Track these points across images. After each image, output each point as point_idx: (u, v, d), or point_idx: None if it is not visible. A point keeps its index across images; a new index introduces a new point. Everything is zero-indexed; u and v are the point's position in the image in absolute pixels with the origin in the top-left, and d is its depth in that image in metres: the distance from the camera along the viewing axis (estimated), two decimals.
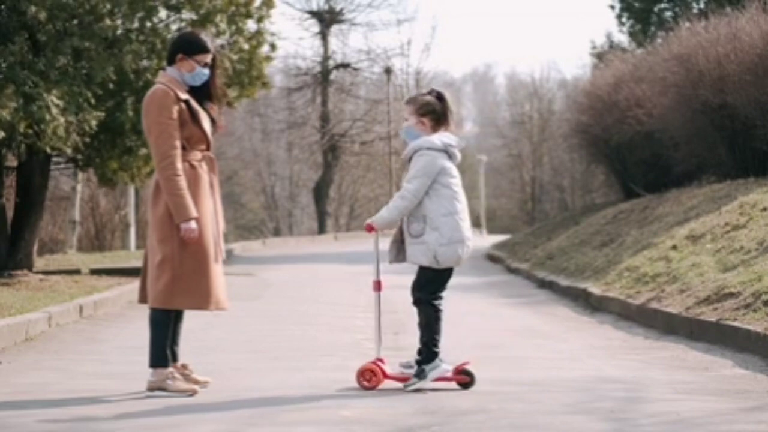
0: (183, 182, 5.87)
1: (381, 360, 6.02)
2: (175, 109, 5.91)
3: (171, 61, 6.08)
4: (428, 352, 5.98)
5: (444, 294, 6.06)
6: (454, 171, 6.07)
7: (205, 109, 6.09)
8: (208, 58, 6.07)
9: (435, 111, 6.10)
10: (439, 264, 5.96)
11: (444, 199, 5.98)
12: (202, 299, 5.93)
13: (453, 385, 5.99)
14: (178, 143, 5.88)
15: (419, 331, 6.05)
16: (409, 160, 6.08)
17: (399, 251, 6.09)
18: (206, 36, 6.21)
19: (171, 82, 6.00)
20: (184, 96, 5.98)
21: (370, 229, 6.07)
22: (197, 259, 5.90)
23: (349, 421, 5.12)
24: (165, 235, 5.89)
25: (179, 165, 5.87)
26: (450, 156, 6.06)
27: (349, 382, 6.14)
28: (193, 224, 5.84)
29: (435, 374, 5.96)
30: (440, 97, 6.11)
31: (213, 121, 6.14)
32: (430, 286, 6.01)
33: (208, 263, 5.94)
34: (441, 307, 6.02)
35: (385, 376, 5.98)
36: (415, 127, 6.11)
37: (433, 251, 5.93)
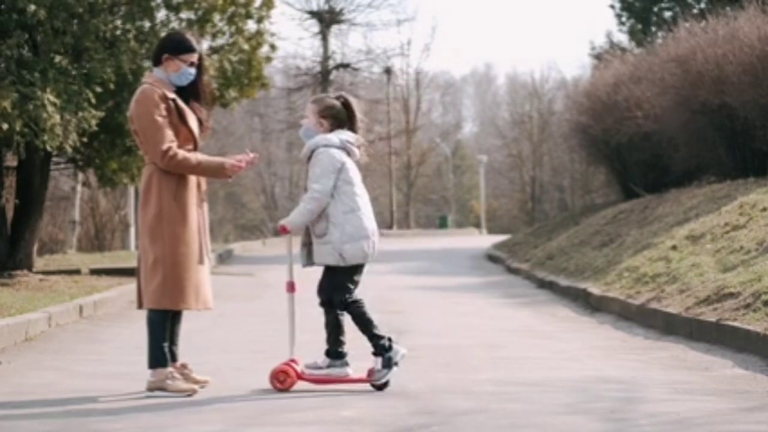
0: (191, 156, 5.95)
1: (294, 361, 6.01)
2: (163, 107, 5.95)
3: (157, 62, 6.12)
4: (378, 342, 5.98)
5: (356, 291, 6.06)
6: (354, 168, 6.09)
7: (192, 110, 6.11)
8: (194, 58, 6.09)
9: (336, 116, 6.11)
10: (346, 261, 5.96)
11: (345, 196, 6.00)
12: (190, 299, 5.97)
13: (368, 386, 5.98)
14: (173, 136, 5.93)
15: (326, 330, 6.03)
16: (308, 159, 6.07)
17: (309, 254, 6.08)
18: (192, 36, 6.23)
19: (157, 82, 6.03)
20: (172, 95, 6.01)
21: (283, 230, 6.04)
22: (185, 259, 5.94)
23: (349, 421, 5.12)
24: (156, 236, 5.93)
25: (180, 150, 5.93)
26: (348, 153, 6.08)
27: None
28: (232, 165, 6.03)
29: (341, 373, 5.98)
30: (346, 105, 6.13)
31: (200, 122, 6.17)
32: (343, 286, 6.00)
33: (196, 263, 5.99)
34: (360, 300, 6.02)
35: (299, 377, 5.97)
36: (313, 128, 6.12)
37: (338, 250, 5.93)
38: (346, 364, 6.02)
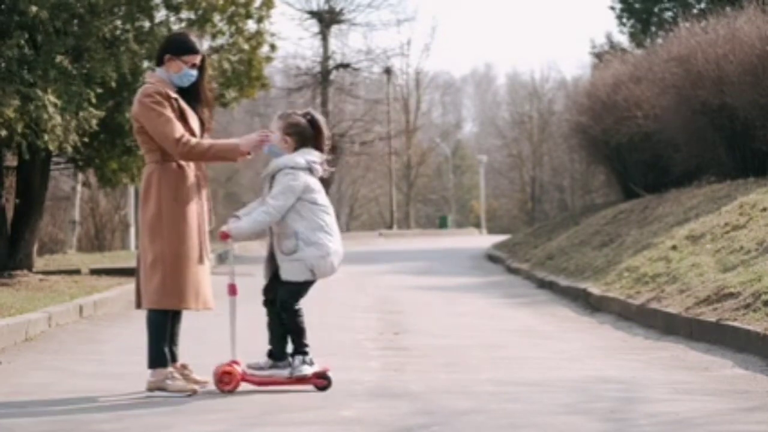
0: (204, 141, 5.99)
1: (236, 362, 6.02)
2: (166, 104, 5.95)
3: (160, 62, 6.12)
4: (304, 349, 6.02)
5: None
6: (318, 185, 6.11)
7: (193, 110, 6.11)
8: (197, 60, 6.09)
9: (301, 133, 6.11)
10: (316, 276, 6.04)
11: (312, 214, 6.03)
12: (190, 299, 5.97)
13: (310, 387, 5.99)
14: (182, 128, 5.92)
15: (268, 331, 6.09)
16: (272, 177, 6.08)
17: (273, 269, 6.12)
18: (195, 37, 6.23)
19: (159, 81, 6.04)
20: (174, 95, 6.01)
21: (224, 236, 6.05)
22: (185, 259, 5.94)
23: (349, 421, 5.12)
24: (155, 235, 5.94)
25: (192, 138, 5.93)
26: (312, 171, 6.10)
27: (350, 382, 6.15)
28: (245, 146, 6.03)
29: (284, 374, 6.02)
30: (312, 123, 6.13)
31: (202, 123, 6.16)
32: (299, 296, 6.05)
33: (195, 263, 5.99)
34: (301, 309, 6.07)
35: (242, 378, 5.98)
36: (278, 143, 6.12)
37: (309, 266, 5.98)
38: (289, 365, 6.03)
